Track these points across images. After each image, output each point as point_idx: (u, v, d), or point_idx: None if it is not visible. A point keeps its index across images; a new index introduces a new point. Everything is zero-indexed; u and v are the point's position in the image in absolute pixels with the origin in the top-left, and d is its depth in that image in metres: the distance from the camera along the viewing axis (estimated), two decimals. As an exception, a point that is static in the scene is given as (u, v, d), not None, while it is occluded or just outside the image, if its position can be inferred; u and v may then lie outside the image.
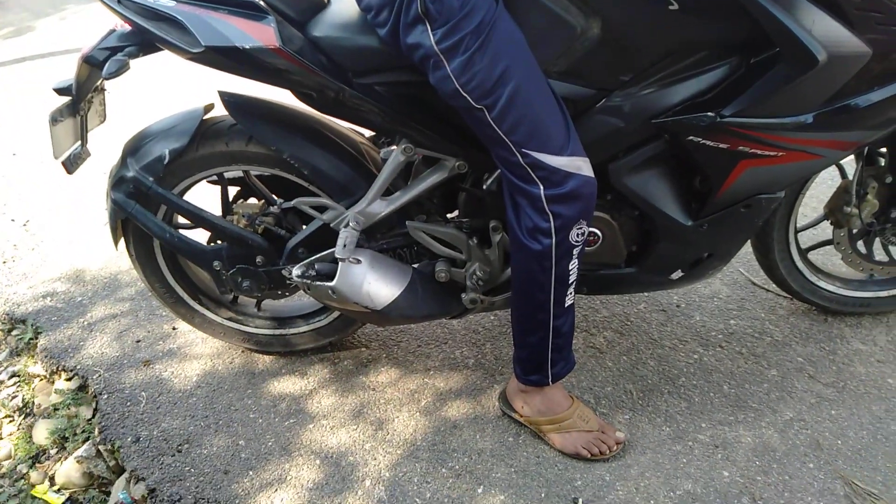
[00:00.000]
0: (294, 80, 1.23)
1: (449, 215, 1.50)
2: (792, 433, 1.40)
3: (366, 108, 1.28)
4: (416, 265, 1.51)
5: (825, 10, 1.05)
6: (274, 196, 1.54)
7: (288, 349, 1.74)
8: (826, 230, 1.61)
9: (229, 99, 1.36)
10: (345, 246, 1.35)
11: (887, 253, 1.61)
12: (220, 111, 1.41)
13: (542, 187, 1.18)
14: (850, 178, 1.50)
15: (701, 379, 1.56)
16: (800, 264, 1.61)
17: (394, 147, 1.39)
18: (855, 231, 1.56)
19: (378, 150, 1.49)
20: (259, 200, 1.55)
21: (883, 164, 1.47)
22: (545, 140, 1.17)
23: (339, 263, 1.36)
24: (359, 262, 1.36)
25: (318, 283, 1.38)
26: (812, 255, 1.67)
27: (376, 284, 1.38)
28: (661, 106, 1.24)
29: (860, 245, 1.59)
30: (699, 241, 1.40)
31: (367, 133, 1.50)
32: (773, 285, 1.68)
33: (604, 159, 1.29)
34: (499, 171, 1.31)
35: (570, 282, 1.29)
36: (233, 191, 1.57)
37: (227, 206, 1.54)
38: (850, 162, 1.48)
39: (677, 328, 1.72)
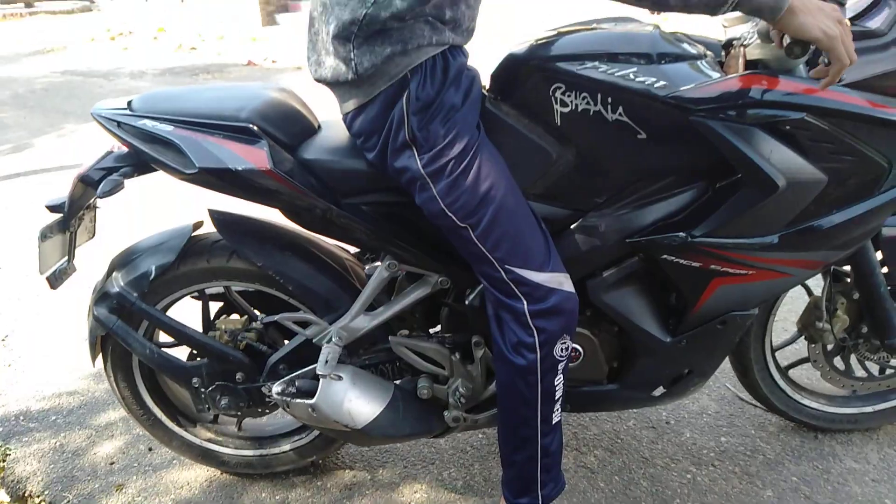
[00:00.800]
0: (283, 200, 1.28)
1: (432, 330, 1.51)
2: (788, 558, 1.35)
3: (352, 226, 1.32)
4: (397, 382, 1.50)
5: (781, 141, 1.13)
6: (256, 311, 1.55)
7: (269, 470, 1.67)
8: (804, 347, 1.63)
9: (218, 216, 1.40)
10: (326, 362, 1.34)
11: (865, 369, 1.63)
12: (208, 228, 1.44)
13: (525, 302, 1.21)
14: (819, 294, 1.54)
15: (696, 500, 1.51)
16: (781, 383, 1.62)
17: (378, 263, 1.42)
18: (830, 347, 1.58)
19: (362, 266, 1.52)
20: (241, 316, 1.55)
21: (849, 281, 1.51)
22: (527, 257, 1.20)
23: (320, 380, 1.35)
24: (340, 378, 1.35)
25: (298, 400, 1.36)
26: (796, 372, 1.68)
27: (357, 402, 1.36)
28: (634, 226, 1.30)
29: (837, 361, 1.60)
30: (678, 358, 1.42)
31: (353, 249, 1.53)
32: (761, 402, 1.68)
33: (582, 276, 1.32)
34: (481, 286, 1.34)
35: (556, 397, 1.28)
36: (216, 307, 1.58)
37: (208, 322, 1.54)
38: (817, 279, 1.52)
39: (668, 446, 1.69)
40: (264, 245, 1.41)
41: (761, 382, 1.60)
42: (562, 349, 1.24)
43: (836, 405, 1.66)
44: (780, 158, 1.15)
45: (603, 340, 1.43)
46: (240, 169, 1.21)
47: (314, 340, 1.41)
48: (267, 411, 1.57)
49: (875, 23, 1.16)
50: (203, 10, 10.40)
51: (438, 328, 1.50)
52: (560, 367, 1.26)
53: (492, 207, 1.17)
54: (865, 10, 1.18)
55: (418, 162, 1.16)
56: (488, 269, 1.22)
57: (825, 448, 1.65)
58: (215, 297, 1.55)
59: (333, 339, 1.38)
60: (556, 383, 1.27)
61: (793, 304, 1.87)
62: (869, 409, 1.65)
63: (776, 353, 1.62)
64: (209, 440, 1.67)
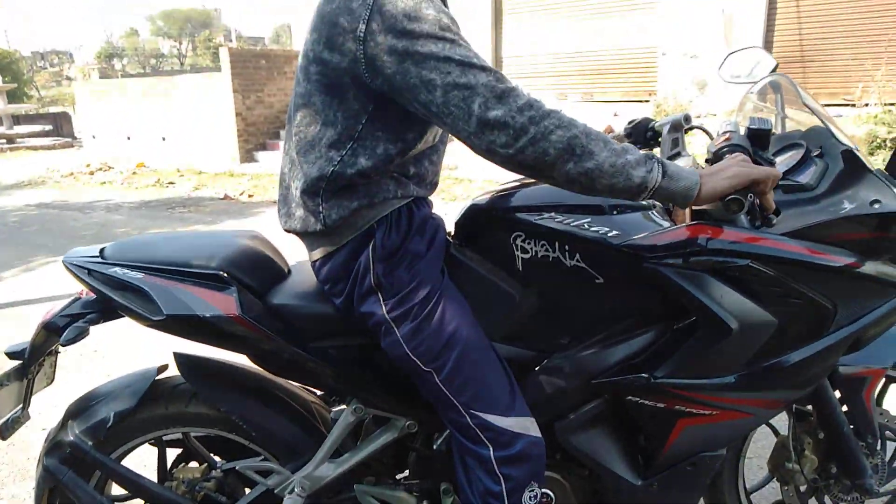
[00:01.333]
0: (251, 345, 1.28)
1: (399, 476, 1.46)
2: None
3: (318, 370, 1.32)
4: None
5: (731, 286, 1.19)
6: (216, 458, 1.49)
7: None
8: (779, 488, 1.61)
9: (183, 360, 1.39)
10: (288, 512, 1.29)
11: (842, 508, 1.60)
12: (172, 371, 1.42)
13: (491, 449, 1.19)
14: (785, 434, 1.55)
15: None
16: None
17: (344, 407, 1.40)
18: (803, 488, 1.56)
19: (328, 409, 1.50)
20: (201, 464, 1.49)
21: (812, 419, 1.53)
22: (491, 401, 1.21)
23: (281, 534, 1.28)
24: (302, 532, 1.29)
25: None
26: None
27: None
28: (599, 367, 1.32)
29: (812, 503, 1.58)
30: (651, 501, 1.39)
31: (319, 392, 1.51)
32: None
33: (550, 419, 1.32)
34: (448, 431, 1.33)
35: None
36: (174, 454, 1.52)
37: (164, 470, 1.48)
38: (784, 418, 1.53)
39: None
40: (229, 389, 1.39)
41: (737, 526, 1.56)
42: (530, 497, 1.21)
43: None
44: (731, 302, 1.20)
45: (574, 484, 1.41)
46: (207, 315, 1.22)
47: (276, 491, 1.35)
48: (222, 569, 1.47)
49: (805, 178, 1.26)
50: (184, 147, 10.79)
51: (406, 474, 1.46)
52: (529, 516, 1.22)
53: (455, 352, 1.19)
54: (795, 166, 1.30)
55: (383, 307, 1.19)
56: (453, 414, 1.22)
57: None
58: (173, 444, 1.50)
59: (296, 490, 1.33)
60: (526, 533, 1.22)
61: (766, 441, 1.86)
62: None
63: (752, 496, 1.59)
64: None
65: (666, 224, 1.26)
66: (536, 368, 1.33)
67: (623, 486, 1.36)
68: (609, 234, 1.22)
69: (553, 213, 1.24)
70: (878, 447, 1.49)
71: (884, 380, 1.56)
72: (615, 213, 1.24)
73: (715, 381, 1.27)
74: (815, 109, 1.33)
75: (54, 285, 4.39)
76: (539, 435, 1.22)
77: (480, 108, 1.01)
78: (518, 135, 1.01)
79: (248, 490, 1.45)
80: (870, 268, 1.23)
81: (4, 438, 1.37)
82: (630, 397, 1.30)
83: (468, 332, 1.21)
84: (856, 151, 1.24)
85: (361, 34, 1.04)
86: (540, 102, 1.04)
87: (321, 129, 1.15)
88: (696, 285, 1.19)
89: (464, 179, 7.52)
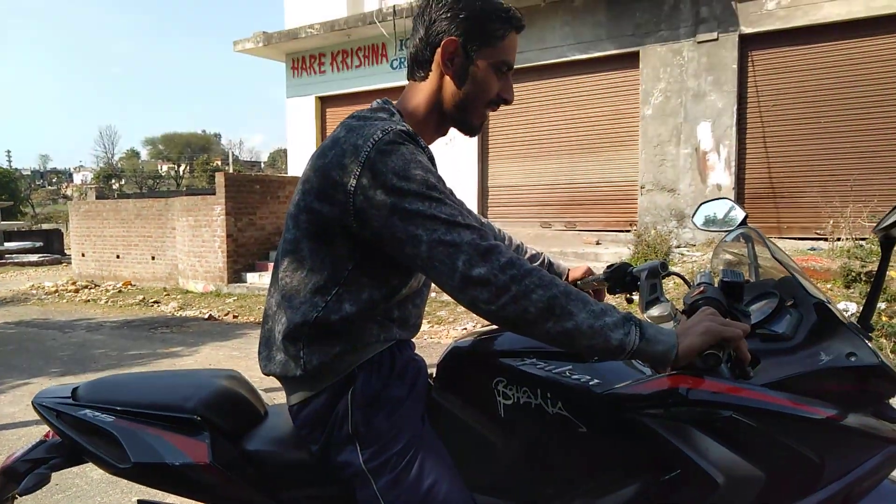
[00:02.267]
0: (220, 494, 1.23)
1: None
2: None
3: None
4: None
5: (715, 438, 1.17)
6: None
7: None
8: None
9: (148, 509, 1.32)
10: None
11: None
12: None
13: None
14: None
15: None
16: None
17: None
18: None
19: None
20: None
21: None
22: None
23: None
24: None
25: None
26: None
27: None
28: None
29: None
30: None
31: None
32: None
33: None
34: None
35: None
36: None
37: None
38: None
39: None
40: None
41: None
42: None
43: None
44: (717, 455, 1.17)
45: None
46: (177, 464, 1.18)
47: None
48: None
49: (781, 327, 1.28)
50: (172, 267, 10.86)
51: None
52: None
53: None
54: (771, 315, 1.32)
55: (360, 457, 1.16)
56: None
57: None
58: None
59: None
60: None
61: None
62: None
63: None
64: None
65: (648, 372, 1.25)
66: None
67: None
68: (591, 382, 1.21)
69: (535, 359, 1.24)
70: None
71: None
72: (597, 360, 1.25)
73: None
74: (784, 263, 1.38)
75: (21, 411, 4.23)
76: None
77: (464, 265, 1.04)
78: (500, 292, 1.04)
79: None
80: (853, 420, 1.21)
81: None
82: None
83: (448, 486, 1.17)
84: (828, 304, 1.27)
85: (352, 188, 1.09)
86: (522, 261, 1.08)
87: (307, 274, 1.17)
88: (680, 437, 1.17)
89: (449, 303, 7.57)
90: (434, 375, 1.34)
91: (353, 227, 1.11)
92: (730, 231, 1.63)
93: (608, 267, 1.70)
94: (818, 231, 7.62)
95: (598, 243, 8.81)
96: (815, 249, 7.03)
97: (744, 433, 1.18)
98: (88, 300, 9.88)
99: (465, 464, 1.24)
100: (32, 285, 11.45)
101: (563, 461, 1.27)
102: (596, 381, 1.21)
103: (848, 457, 1.24)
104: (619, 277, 1.64)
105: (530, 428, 1.25)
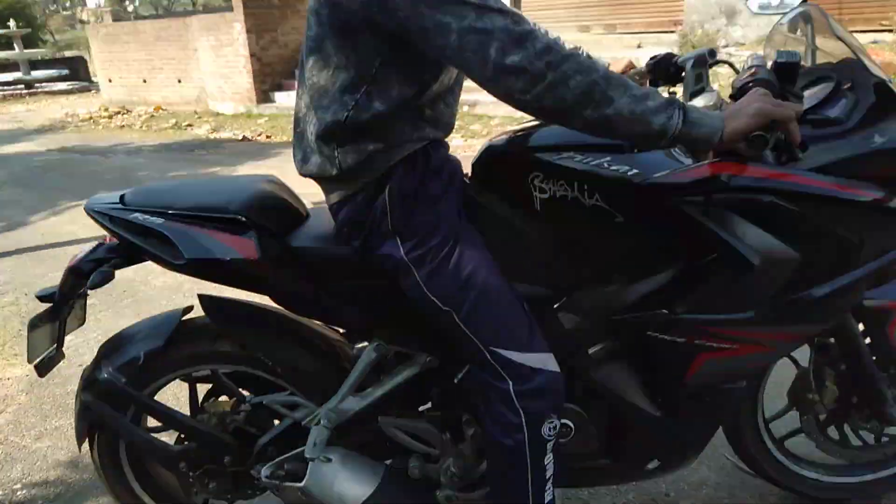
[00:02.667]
0: (271, 287, 1.31)
1: (421, 409, 1.51)
2: None
3: (339, 310, 1.34)
4: (388, 462, 1.49)
5: (753, 222, 1.18)
6: (244, 393, 1.55)
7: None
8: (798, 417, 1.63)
9: (208, 301, 1.42)
10: (315, 444, 1.34)
11: (860, 438, 1.62)
12: (198, 312, 1.46)
13: (510, 383, 1.22)
14: (806, 366, 1.55)
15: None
16: (778, 455, 1.61)
17: (366, 344, 1.43)
18: (822, 418, 1.58)
19: (351, 347, 1.53)
20: (230, 399, 1.55)
21: (833, 353, 1.53)
22: (510, 338, 1.22)
23: (309, 463, 1.34)
24: (329, 460, 1.34)
25: (288, 483, 1.35)
26: (792, 443, 1.67)
27: (347, 484, 1.35)
28: (618, 304, 1.32)
29: (831, 431, 1.60)
30: (670, 431, 1.42)
31: (341, 330, 1.55)
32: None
33: (569, 354, 1.34)
34: (469, 366, 1.36)
35: (546, 476, 1.27)
36: (204, 389, 1.57)
37: (195, 405, 1.54)
38: (805, 349, 1.54)
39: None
40: (253, 328, 1.43)
41: (757, 455, 1.59)
42: (549, 428, 1.24)
43: (837, 474, 1.65)
44: (754, 238, 1.19)
45: (594, 416, 1.43)
46: (228, 259, 1.25)
47: (303, 423, 1.40)
48: (257, 494, 1.54)
49: (834, 111, 1.22)
50: (199, 90, 10.72)
51: (428, 406, 1.50)
52: (549, 445, 1.26)
53: (474, 292, 1.20)
54: (824, 100, 1.25)
55: (401, 250, 1.20)
56: (473, 351, 1.24)
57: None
58: (203, 380, 1.56)
59: (322, 422, 1.38)
60: (545, 462, 1.26)
61: (786, 371, 1.87)
62: (870, 476, 1.63)
63: (770, 425, 1.61)
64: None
65: (688, 161, 1.23)
66: (555, 306, 1.34)
67: (643, 417, 1.38)
68: (629, 173, 1.20)
69: (572, 153, 1.22)
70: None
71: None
72: (636, 150, 1.22)
73: (737, 317, 1.27)
74: (846, 40, 1.28)
75: (81, 228, 4.47)
76: (557, 369, 1.25)
77: (497, 54, 0.98)
78: (536, 81, 0.99)
79: (276, 422, 1.51)
80: (898, 201, 1.20)
81: (42, 376, 1.43)
82: (650, 333, 1.31)
83: (486, 273, 1.22)
84: (889, 83, 1.20)
85: None
86: (559, 44, 1.01)
87: (334, 73, 1.13)
88: (718, 222, 1.18)
89: (482, 116, 7.41)
90: (469, 174, 1.35)
91: (377, 19, 1.05)
92: (787, 12, 1.50)
93: (651, 58, 1.61)
94: (882, 23, 7.00)
95: (639, 46, 8.29)
96: (877, 42, 6.51)
97: (784, 217, 1.18)
98: (123, 126, 9.96)
99: (501, 255, 1.28)
100: (66, 113, 11.52)
101: (598, 250, 1.30)
102: (634, 171, 1.20)
103: (887, 237, 1.25)
104: (664, 69, 1.55)
105: (566, 220, 1.27)
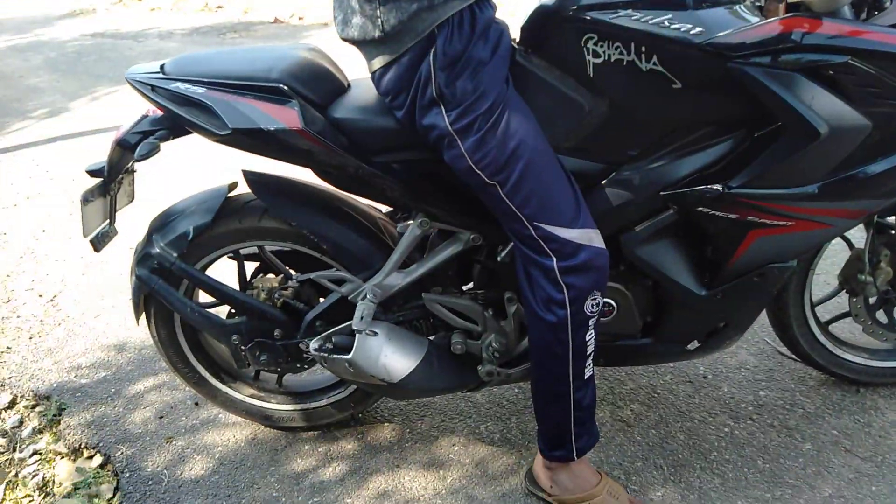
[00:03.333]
0: (316, 159, 1.29)
1: (464, 287, 1.52)
2: (831, 511, 1.36)
3: (383, 184, 1.32)
4: (432, 337, 1.52)
5: (824, 87, 1.09)
6: (291, 270, 1.58)
7: (310, 424, 1.73)
8: (845, 301, 1.60)
9: (252, 177, 1.42)
10: (362, 318, 1.37)
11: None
12: (243, 189, 1.46)
13: (554, 259, 1.21)
14: (861, 247, 1.50)
15: (733, 453, 1.52)
16: (822, 338, 1.60)
17: (410, 221, 1.43)
18: (872, 300, 1.55)
19: (394, 225, 1.53)
20: (277, 276, 1.58)
21: (892, 232, 1.47)
22: (556, 213, 1.20)
23: (356, 336, 1.38)
24: (375, 334, 1.38)
25: (335, 356, 1.39)
26: (836, 327, 1.65)
27: (393, 357, 1.39)
28: (669, 179, 1.27)
29: (880, 315, 1.57)
30: (714, 311, 1.41)
31: (385, 208, 1.54)
32: (801, 356, 1.67)
33: (615, 231, 1.31)
34: (512, 243, 1.34)
35: (587, 353, 1.29)
36: (252, 267, 1.61)
37: (243, 281, 1.58)
38: (860, 231, 1.48)
39: (706, 400, 1.69)
40: (298, 204, 1.43)
41: (801, 338, 1.58)
42: (592, 305, 1.24)
43: (879, 359, 1.64)
44: (823, 104, 1.11)
45: (637, 295, 1.43)
46: (272, 129, 1.22)
47: (349, 298, 1.43)
48: (306, 367, 1.61)
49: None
50: (228, -32, 10.29)
51: (471, 285, 1.51)
52: (591, 322, 1.26)
53: (520, 164, 1.16)
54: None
55: (446, 119, 1.15)
56: (517, 226, 1.22)
57: (867, 402, 1.63)
58: (250, 258, 1.59)
59: (368, 296, 1.40)
60: (587, 339, 1.27)
61: (834, 257, 1.83)
62: (912, 360, 1.63)
63: (816, 308, 1.59)
64: (252, 396, 1.72)
65: (756, 19, 1.13)
66: (603, 181, 1.30)
67: (687, 296, 1.37)
68: (691, 32, 1.11)
69: (630, 10, 1.13)
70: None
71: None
72: (699, 7, 1.12)
73: (794, 191, 1.21)
74: None
75: (122, 113, 4.49)
76: (603, 246, 1.22)
77: None
78: None
79: (322, 299, 1.55)
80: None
81: (97, 251, 1.48)
82: (700, 209, 1.27)
83: (533, 144, 1.18)
84: None
85: None
86: None
87: None
88: (785, 86, 1.09)
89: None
90: (518, 38, 1.27)
91: None
92: None
93: None
94: None
95: None
96: None
97: (859, 80, 1.09)
98: (153, 9, 9.71)
99: (550, 125, 1.22)
100: (97, -3, 11.27)
101: (652, 120, 1.23)
102: (697, 29, 1.11)
103: None
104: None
105: (621, 87, 1.20)
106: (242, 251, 1.55)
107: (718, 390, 1.72)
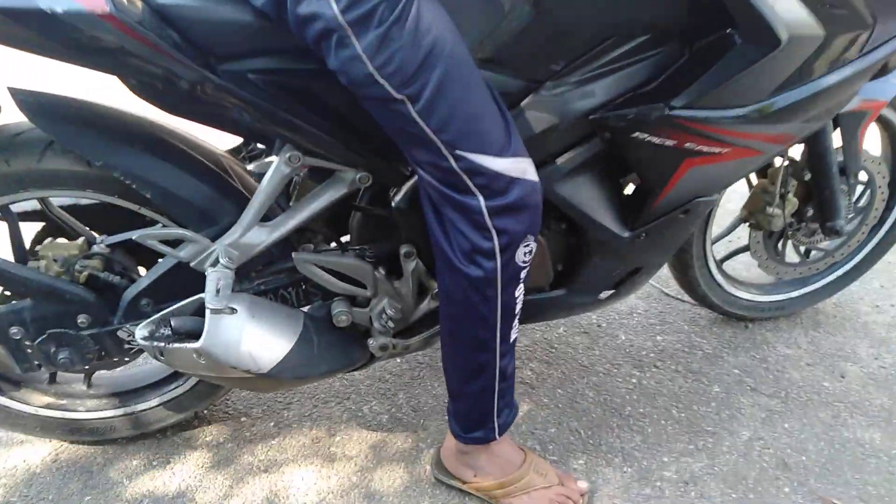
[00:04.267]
0: (130, 64, 0.87)
1: (344, 240, 1.20)
2: (755, 455, 1.27)
3: (234, 104, 0.94)
4: (306, 308, 1.19)
5: None
6: (93, 233, 1.15)
7: (139, 431, 1.31)
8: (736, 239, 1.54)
9: (25, 97, 0.96)
10: (218, 291, 1.00)
11: (798, 253, 1.58)
12: (12, 116, 0.99)
13: (481, 198, 0.94)
14: (764, 179, 1.43)
15: (647, 405, 1.40)
16: (718, 277, 1.53)
17: (272, 157, 1.07)
18: (771, 234, 1.50)
19: (242, 164, 1.16)
20: (72, 240, 1.13)
21: (799, 160, 1.41)
22: (484, 138, 0.92)
23: (207, 315, 1.00)
24: (234, 311, 1.02)
25: (177, 345, 1.01)
26: (727, 265, 1.60)
27: (260, 340, 1.04)
28: (599, 99, 1.06)
29: (779, 248, 1.54)
30: (633, 254, 1.24)
31: (229, 142, 1.15)
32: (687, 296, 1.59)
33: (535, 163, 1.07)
34: (410, 182, 1.05)
35: (516, 311, 1.05)
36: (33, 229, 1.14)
37: (20, 249, 1.11)
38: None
39: (606, 350, 1.56)
40: (102, 135, 1.00)
41: (700, 279, 1.50)
42: (525, 253, 1.00)
43: (765, 293, 1.62)
44: (785, 8, 0.94)
45: (551, 241, 1.22)
46: (59, 12, 0.79)
47: (192, 264, 1.04)
48: (125, 360, 1.19)
49: None
50: None
51: (347, 238, 1.19)
52: (522, 274, 1.02)
53: (437, 71, 0.86)
54: None
55: (334, 6, 0.81)
56: (432, 157, 0.92)
57: (757, 337, 1.60)
58: (27, 217, 1.12)
59: (221, 261, 1.02)
60: (516, 295, 1.03)
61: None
62: (795, 293, 1.63)
63: (715, 245, 1.51)
64: (48, 406, 1.26)
65: None
66: (523, 103, 1.05)
67: (609, 239, 1.18)
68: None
69: None
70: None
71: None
72: None
73: (738, 112, 1.05)
74: None
75: None
76: (537, 179, 0.98)
77: None
78: None
79: (142, 270, 1.14)
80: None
81: None
82: (636, 134, 1.06)
83: (452, 48, 0.88)
84: None
85: None
86: None
87: None
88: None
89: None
90: None
91: None
92: None
93: None
94: None
95: None
96: None
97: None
98: None
99: (463, 29, 0.93)
100: None
101: (582, 25, 1.00)
102: None
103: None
104: None
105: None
106: (14, 207, 1.08)
107: (616, 339, 1.60)
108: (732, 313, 1.60)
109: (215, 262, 1.03)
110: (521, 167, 0.95)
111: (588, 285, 1.28)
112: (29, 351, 1.10)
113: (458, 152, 0.91)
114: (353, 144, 1.02)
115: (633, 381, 1.47)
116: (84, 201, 1.13)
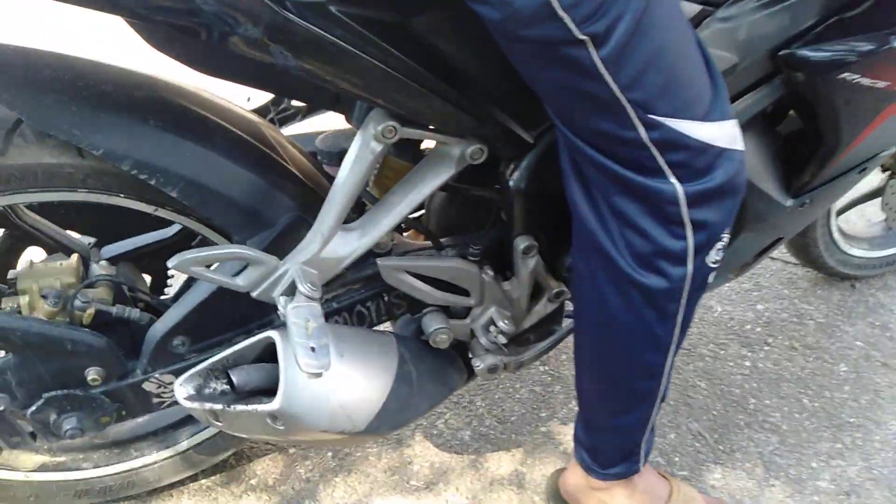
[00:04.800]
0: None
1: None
2: (919, 454, 1.09)
3: (302, 52, 0.62)
4: (388, 328, 0.91)
5: None
6: (82, 238, 0.83)
7: (166, 481, 1.01)
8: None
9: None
10: (307, 329, 0.68)
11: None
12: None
13: (676, 182, 0.66)
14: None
15: (771, 395, 1.18)
16: (836, 235, 1.32)
17: (346, 128, 0.75)
18: None
19: (284, 135, 0.84)
20: (65, 259, 0.79)
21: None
22: (687, 96, 0.64)
23: (282, 366, 0.70)
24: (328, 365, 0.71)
25: (242, 407, 0.71)
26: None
27: (354, 389, 0.76)
28: (789, 28, 0.79)
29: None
30: (788, 225, 1.00)
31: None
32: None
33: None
34: (531, 155, 0.76)
35: (689, 325, 0.79)
36: None
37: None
38: None
39: (705, 327, 1.32)
40: (99, 109, 0.66)
41: (820, 239, 1.28)
42: (717, 251, 0.73)
43: (876, 248, 1.41)
44: None
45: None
46: None
47: (254, 294, 0.73)
48: (151, 412, 0.88)
49: None
50: None
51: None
52: (710, 279, 0.76)
53: (633, 3, 0.56)
54: None
55: None
56: (610, 126, 0.64)
57: (869, 300, 1.39)
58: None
59: (301, 288, 0.71)
60: (696, 307, 0.77)
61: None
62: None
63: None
64: (42, 468, 0.95)
65: None
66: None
67: (768, 209, 0.93)
68: None
69: None
70: None
71: None
72: None
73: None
74: None
75: None
76: (743, 148, 0.70)
77: None
78: None
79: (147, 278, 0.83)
80: None
81: None
82: (844, 75, 0.79)
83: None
84: None
85: None
86: None
87: None
88: None
89: None
90: None
91: None
92: None
93: None
94: None
95: None
96: None
97: None
98: None
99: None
100: None
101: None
102: None
103: None
104: None
105: None
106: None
107: (712, 311, 1.37)
108: (843, 273, 1.39)
109: (290, 290, 0.72)
110: (731, 133, 0.68)
111: (725, 266, 1.04)
112: (12, 425, 0.78)
113: (651, 117, 0.63)
114: (471, 106, 0.71)
115: (747, 363, 1.25)
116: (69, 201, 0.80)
